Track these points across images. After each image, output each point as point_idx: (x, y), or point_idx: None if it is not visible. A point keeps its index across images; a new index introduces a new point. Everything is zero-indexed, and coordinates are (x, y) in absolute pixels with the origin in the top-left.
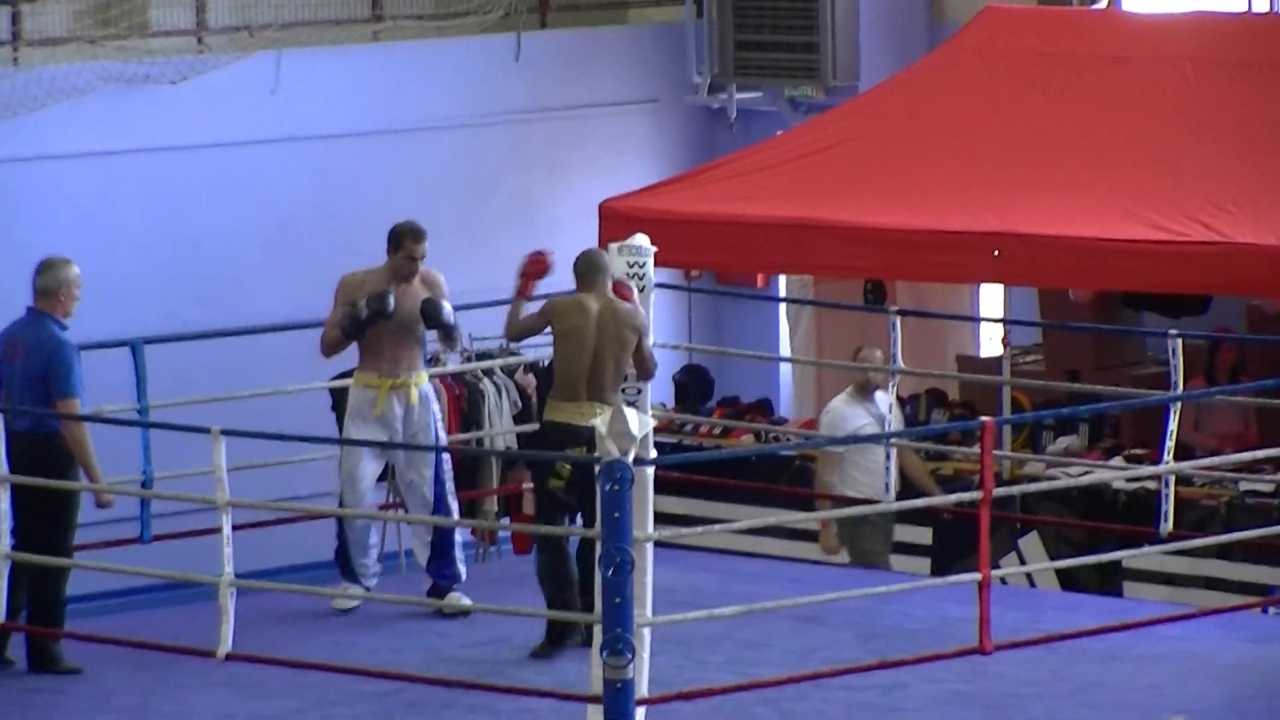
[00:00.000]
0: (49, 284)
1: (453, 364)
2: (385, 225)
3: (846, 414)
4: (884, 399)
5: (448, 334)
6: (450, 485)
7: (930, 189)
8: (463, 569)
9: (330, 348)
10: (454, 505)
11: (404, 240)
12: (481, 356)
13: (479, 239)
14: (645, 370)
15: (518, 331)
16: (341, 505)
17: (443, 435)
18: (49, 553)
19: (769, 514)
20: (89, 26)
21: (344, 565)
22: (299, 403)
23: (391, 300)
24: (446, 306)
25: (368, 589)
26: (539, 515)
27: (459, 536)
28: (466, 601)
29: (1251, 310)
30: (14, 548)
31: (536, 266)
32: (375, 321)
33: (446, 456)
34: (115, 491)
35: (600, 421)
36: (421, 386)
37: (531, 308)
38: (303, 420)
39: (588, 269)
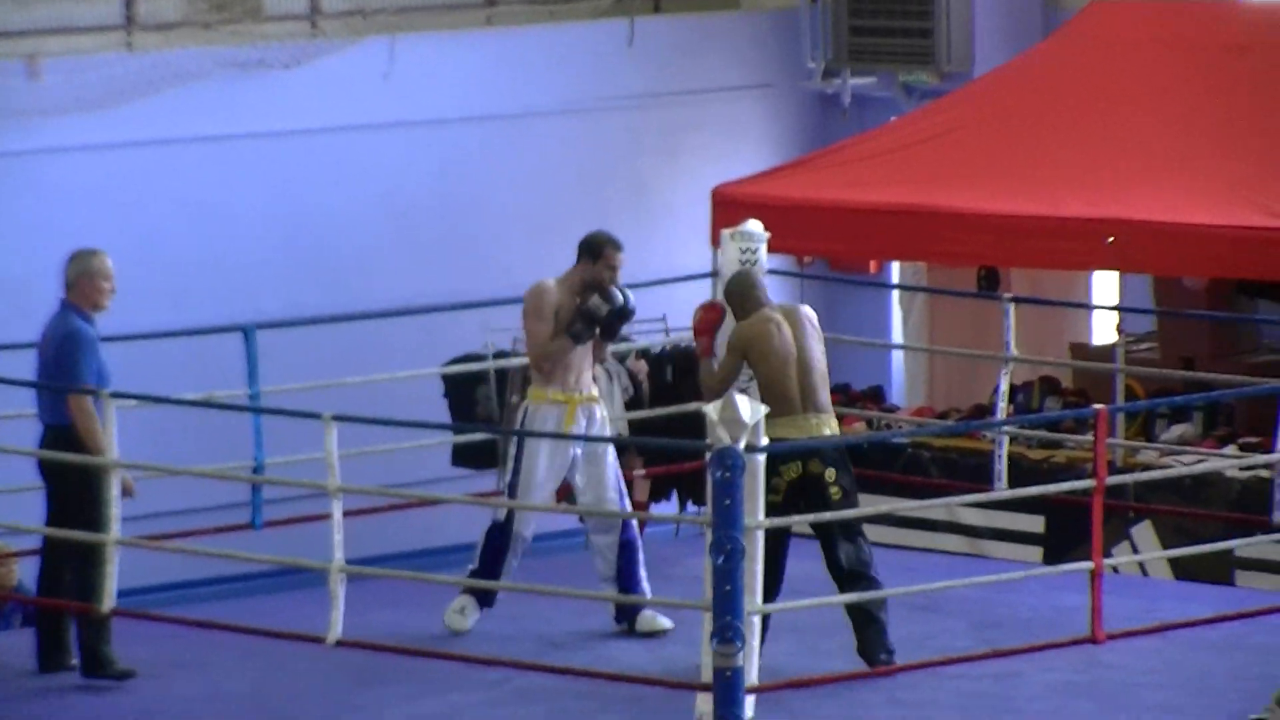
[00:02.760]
0: (69, 276)
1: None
2: (501, 209)
3: None
4: None
5: (610, 334)
6: (624, 499)
7: (1044, 175)
8: (647, 587)
9: (554, 360)
10: (633, 523)
11: (606, 249)
12: None
13: (594, 223)
14: None
15: (722, 385)
16: (509, 527)
17: (613, 451)
18: (80, 548)
19: (881, 502)
20: (203, 11)
21: (477, 588)
22: (412, 389)
23: (621, 296)
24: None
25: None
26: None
27: (641, 554)
28: (664, 622)
29: None
30: (46, 543)
31: (710, 319)
32: (617, 320)
33: (618, 470)
34: (223, 477)
35: (712, 408)
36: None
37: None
38: (416, 406)
39: (749, 288)
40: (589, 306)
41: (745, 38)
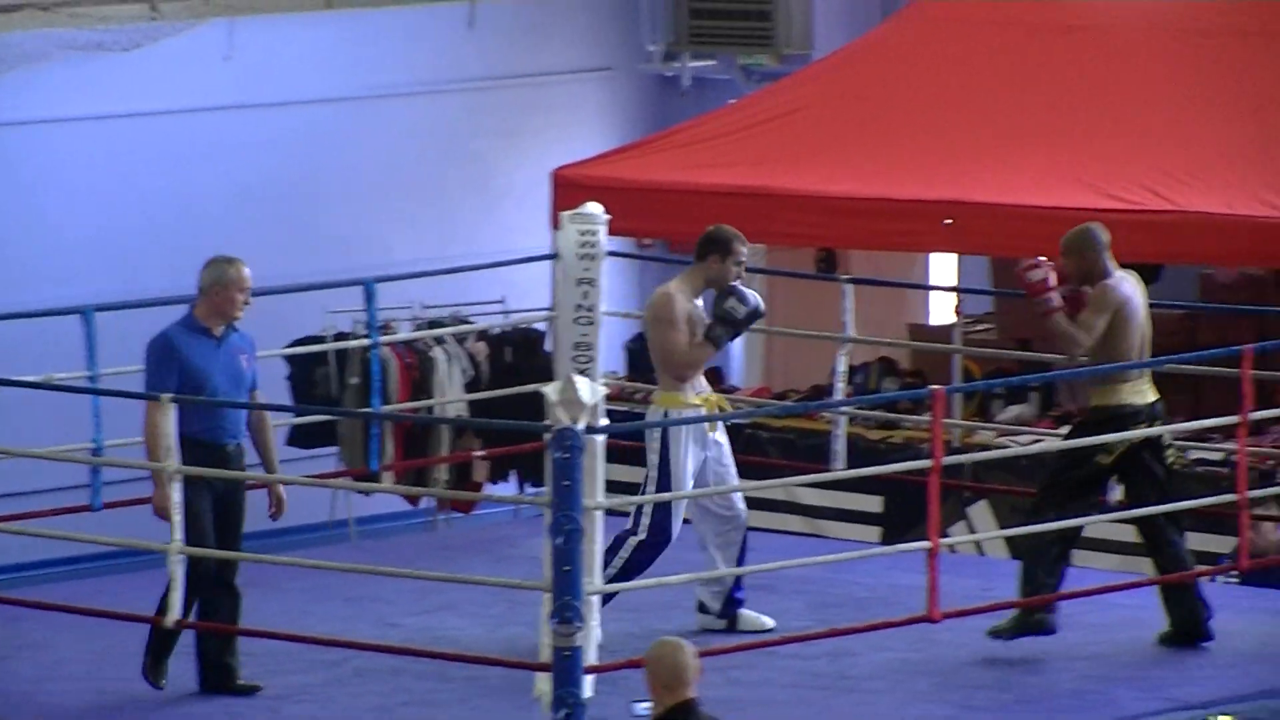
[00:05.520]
0: (202, 282)
1: (404, 331)
2: (342, 191)
3: None
4: None
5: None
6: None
7: (883, 157)
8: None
9: (696, 366)
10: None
11: (733, 244)
12: (432, 325)
13: (435, 205)
14: None
15: (1092, 341)
16: (664, 539)
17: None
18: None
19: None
20: None
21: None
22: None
23: (752, 297)
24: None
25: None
26: (1052, 493)
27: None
28: (767, 621)
29: (1204, 279)
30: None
31: (1045, 282)
32: (750, 321)
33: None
34: (62, 459)
35: (551, 389)
36: None
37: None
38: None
39: (1101, 246)
40: (727, 309)
41: (585, 20)
